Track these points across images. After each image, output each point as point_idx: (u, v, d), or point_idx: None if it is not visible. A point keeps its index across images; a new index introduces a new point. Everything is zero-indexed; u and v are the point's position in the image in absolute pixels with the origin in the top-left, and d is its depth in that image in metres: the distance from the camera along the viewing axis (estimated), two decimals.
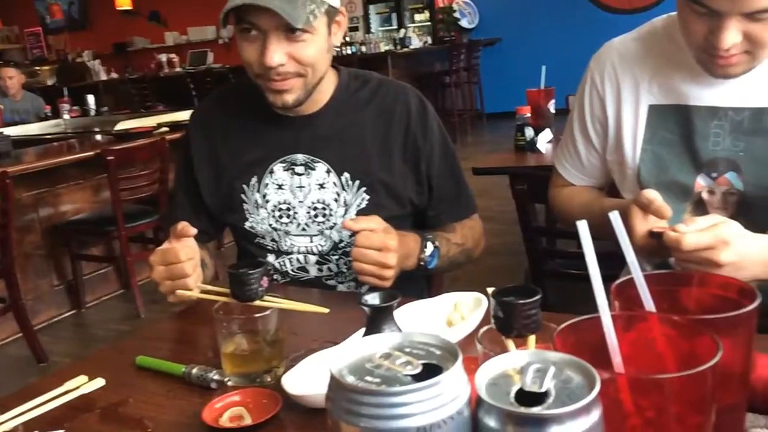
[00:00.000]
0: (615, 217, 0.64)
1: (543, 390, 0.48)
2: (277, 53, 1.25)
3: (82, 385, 1.02)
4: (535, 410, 0.46)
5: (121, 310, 3.92)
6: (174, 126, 4.31)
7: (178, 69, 10.53)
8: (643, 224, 1.01)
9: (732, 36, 1.00)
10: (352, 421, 0.49)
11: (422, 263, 1.31)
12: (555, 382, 0.49)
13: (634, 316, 0.62)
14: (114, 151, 3.48)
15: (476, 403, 0.49)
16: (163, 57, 10.73)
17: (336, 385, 0.51)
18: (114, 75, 10.82)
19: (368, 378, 0.51)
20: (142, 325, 3.60)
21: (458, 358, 0.51)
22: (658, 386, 0.51)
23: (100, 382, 1.02)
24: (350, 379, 0.51)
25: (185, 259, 1.15)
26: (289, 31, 1.24)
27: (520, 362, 0.52)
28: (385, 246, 1.18)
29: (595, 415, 0.47)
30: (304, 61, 1.28)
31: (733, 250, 0.93)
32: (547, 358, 0.51)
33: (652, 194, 1.01)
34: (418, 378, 0.50)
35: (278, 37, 1.25)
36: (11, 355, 3.40)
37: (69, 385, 1.01)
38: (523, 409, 0.47)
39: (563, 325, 0.58)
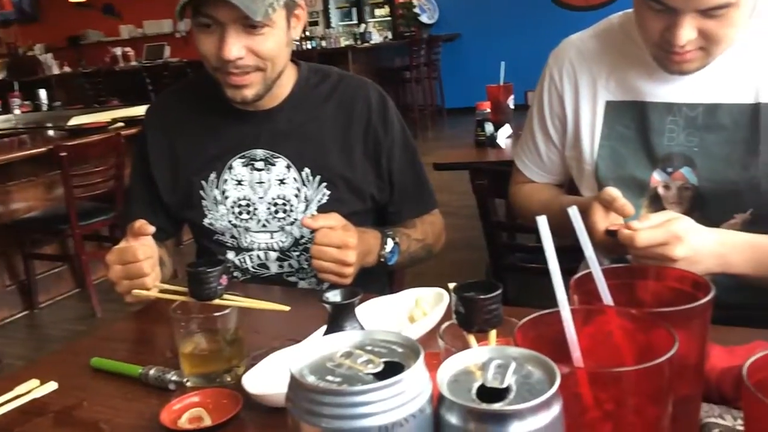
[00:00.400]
0: (574, 212, 0.65)
1: (504, 386, 0.48)
2: (236, 46, 1.23)
3: (34, 389, 0.99)
4: (497, 406, 0.46)
5: (76, 310, 3.84)
6: (130, 121, 4.22)
7: (133, 63, 10.32)
8: (604, 222, 1.03)
9: (687, 32, 1.02)
10: (313, 421, 0.48)
11: (382, 259, 1.31)
12: (516, 378, 0.49)
13: (592, 309, 0.62)
14: (67, 147, 3.40)
15: (438, 400, 0.49)
16: (118, 51, 10.50)
17: (296, 385, 0.50)
18: (67, 69, 10.54)
19: (329, 377, 0.50)
20: (98, 325, 3.54)
21: (420, 356, 0.51)
22: (616, 379, 0.52)
23: (52, 386, 0.99)
24: (311, 379, 0.50)
25: (143, 258, 1.13)
26: (248, 24, 1.23)
27: (482, 358, 0.52)
28: (344, 243, 1.17)
29: (556, 409, 0.47)
30: (263, 55, 1.27)
31: (687, 245, 0.95)
32: (508, 354, 0.51)
33: (614, 192, 1.02)
34: (379, 376, 0.50)
35: (237, 30, 1.23)
36: None
37: (20, 389, 0.98)
38: (484, 406, 0.47)
39: (524, 320, 0.58)
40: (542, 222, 0.61)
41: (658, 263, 0.94)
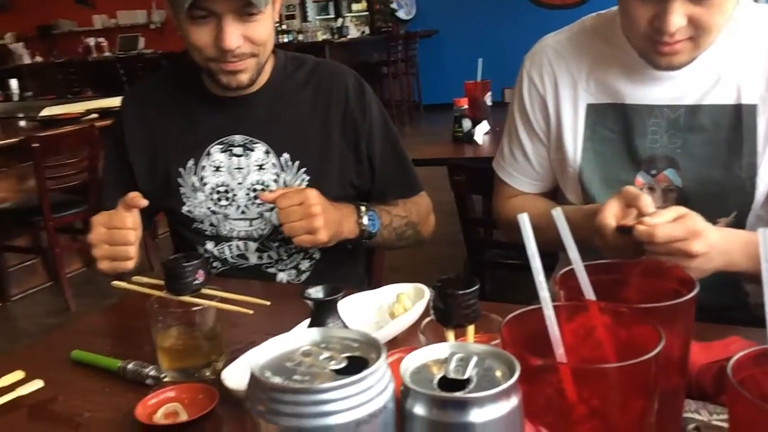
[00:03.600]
0: (557, 214, 0.65)
1: (465, 377, 0.49)
2: (235, 35, 1.24)
3: (19, 384, 0.97)
4: (458, 394, 0.48)
5: (49, 303, 3.78)
6: (104, 113, 4.15)
7: (107, 54, 10.17)
8: (615, 220, 0.98)
9: (678, 19, 1.00)
10: (274, 420, 0.48)
11: (363, 228, 1.32)
12: (477, 370, 0.50)
13: (576, 306, 0.63)
14: (39, 138, 3.34)
15: (401, 393, 0.50)
16: (91, 41, 10.34)
17: (256, 384, 0.49)
18: (38, 59, 10.36)
19: (293, 376, 0.50)
20: (72, 318, 3.48)
21: (383, 351, 0.51)
22: (602, 376, 0.52)
23: (38, 384, 0.97)
24: (272, 378, 0.49)
25: (131, 227, 1.12)
26: (244, 13, 1.23)
27: (444, 353, 0.53)
28: (304, 197, 1.19)
29: (515, 400, 0.48)
30: (258, 41, 1.28)
31: (705, 241, 0.93)
32: (469, 349, 0.52)
33: (636, 189, 0.99)
34: (341, 373, 0.50)
35: (234, 19, 1.24)
36: None
37: (4, 381, 0.97)
38: (445, 393, 0.48)
39: (509, 317, 0.58)
40: (524, 220, 0.60)
41: (675, 260, 0.91)
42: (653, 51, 1.08)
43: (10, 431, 0.89)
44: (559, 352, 0.56)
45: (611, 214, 0.98)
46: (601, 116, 1.20)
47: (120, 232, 1.12)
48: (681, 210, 0.95)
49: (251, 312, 0.99)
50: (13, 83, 6.64)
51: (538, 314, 0.56)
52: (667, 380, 0.58)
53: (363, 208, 1.34)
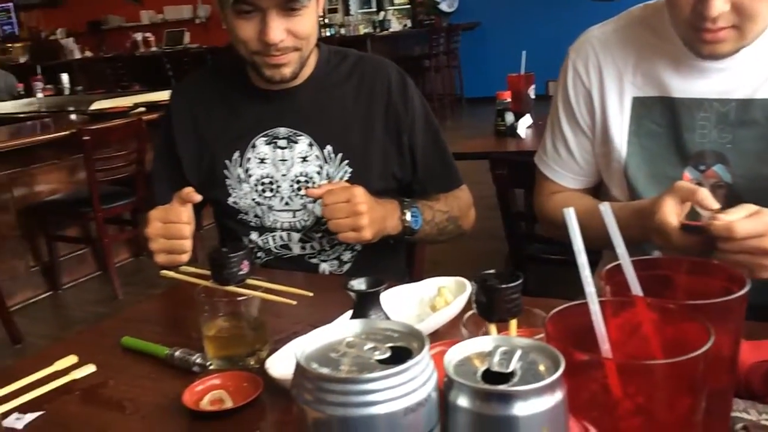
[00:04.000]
0: (605, 209, 0.64)
1: (509, 370, 0.49)
2: (279, 30, 1.26)
3: (72, 368, 1.00)
4: (502, 387, 0.48)
5: (98, 292, 3.89)
6: (151, 106, 4.24)
7: (153, 48, 10.37)
8: (677, 217, 0.94)
9: (720, 3, 0.98)
10: (320, 409, 0.48)
11: (406, 224, 1.33)
12: (521, 364, 0.50)
13: (623, 301, 0.62)
14: (90, 131, 3.42)
15: (444, 384, 0.50)
16: (139, 36, 10.55)
17: (302, 373, 0.50)
18: (88, 53, 10.62)
19: (339, 366, 0.50)
20: (120, 307, 3.58)
21: (426, 342, 0.51)
22: (648, 372, 0.52)
23: (90, 368, 1.00)
24: (317, 367, 0.50)
25: (186, 221, 1.16)
26: (288, 8, 1.26)
27: (488, 346, 0.53)
28: (351, 194, 1.20)
29: (559, 395, 0.48)
30: (302, 35, 1.30)
31: None
32: (513, 343, 0.52)
33: (691, 184, 0.95)
34: (386, 363, 0.50)
35: (278, 14, 1.26)
36: None
37: (59, 365, 1.00)
38: (490, 386, 0.48)
39: (554, 311, 0.58)
40: (570, 215, 0.60)
41: (751, 258, 0.87)
42: (696, 39, 1.05)
43: (65, 412, 0.92)
44: (605, 347, 0.56)
45: (671, 212, 0.94)
46: (648, 110, 1.18)
47: (175, 226, 1.15)
48: (752, 207, 0.90)
49: (295, 303, 1.01)
50: (64, 77, 6.83)
51: (583, 309, 0.56)
52: (716, 379, 0.57)
53: (406, 204, 1.34)
